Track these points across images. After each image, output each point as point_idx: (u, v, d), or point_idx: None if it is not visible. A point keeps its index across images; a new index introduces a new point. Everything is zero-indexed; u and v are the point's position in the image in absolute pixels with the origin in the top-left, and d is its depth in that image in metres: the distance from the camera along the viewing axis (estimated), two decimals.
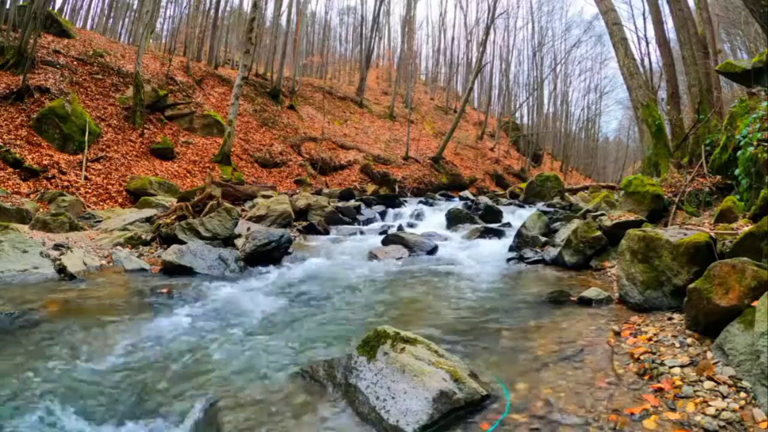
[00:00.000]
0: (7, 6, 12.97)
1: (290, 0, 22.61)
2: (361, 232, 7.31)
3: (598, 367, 2.20)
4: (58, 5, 20.04)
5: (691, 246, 2.85)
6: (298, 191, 12.00)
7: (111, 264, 4.57)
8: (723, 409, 1.73)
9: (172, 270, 4.35)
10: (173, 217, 5.84)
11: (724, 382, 1.89)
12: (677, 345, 2.30)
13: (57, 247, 4.59)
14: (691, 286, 2.38)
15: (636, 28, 30.83)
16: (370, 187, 16.05)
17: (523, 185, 15.58)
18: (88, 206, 8.18)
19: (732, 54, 19.17)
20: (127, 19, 27.39)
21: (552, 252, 4.87)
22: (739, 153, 4.45)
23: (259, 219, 6.90)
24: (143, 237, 5.58)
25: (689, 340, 2.32)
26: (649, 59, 18.42)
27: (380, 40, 35.36)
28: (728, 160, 5.55)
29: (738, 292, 2.14)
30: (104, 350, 2.47)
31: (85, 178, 9.12)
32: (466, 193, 16.64)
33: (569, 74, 36.61)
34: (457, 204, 10.88)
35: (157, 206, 7.74)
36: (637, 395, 1.91)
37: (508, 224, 7.78)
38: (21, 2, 13.49)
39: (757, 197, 3.90)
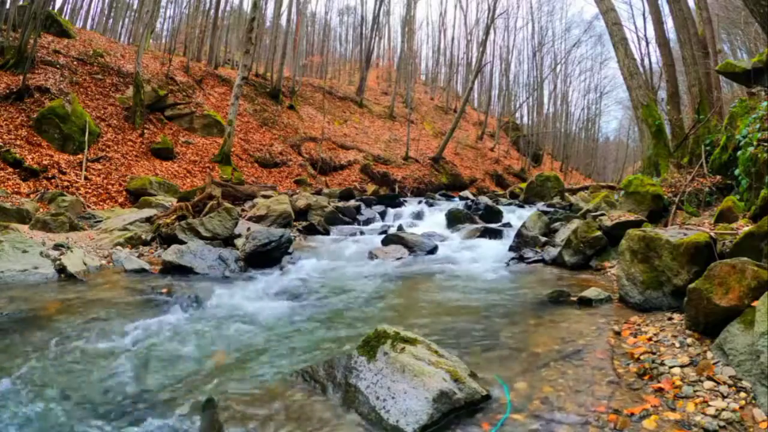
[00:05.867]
0: (7, 6, 12.95)
1: (290, 0, 22.64)
2: (361, 232, 7.31)
3: (598, 366, 2.20)
4: (58, 5, 20.04)
5: (691, 246, 2.85)
6: (298, 191, 12.00)
7: (111, 264, 4.57)
8: (723, 409, 1.73)
9: (172, 270, 4.35)
10: (173, 217, 5.84)
11: (724, 382, 1.89)
12: (677, 345, 2.30)
13: (57, 247, 4.59)
14: (691, 286, 2.37)
15: (636, 28, 30.87)
16: (370, 187, 16.05)
17: (523, 185, 15.56)
18: (88, 206, 8.17)
19: (732, 54, 19.16)
20: (127, 19, 27.43)
21: (552, 252, 4.87)
22: (739, 153, 4.46)
23: (259, 219, 6.90)
24: (143, 237, 5.57)
25: (689, 340, 2.32)
26: (649, 59, 18.46)
27: (380, 40, 35.43)
28: (728, 160, 5.56)
29: (738, 292, 2.14)
30: (104, 350, 2.47)
31: (85, 178, 9.12)
32: (466, 193, 16.63)
33: (569, 74, 36.67)
34: (457, 204, 10.89)
35: (157, 206, 7.73)
36: (637, 395, 1.91)
37: (508, 224, 7.77)
38: (21, 2, 13.48)
39: (757, 197, 3.90)
